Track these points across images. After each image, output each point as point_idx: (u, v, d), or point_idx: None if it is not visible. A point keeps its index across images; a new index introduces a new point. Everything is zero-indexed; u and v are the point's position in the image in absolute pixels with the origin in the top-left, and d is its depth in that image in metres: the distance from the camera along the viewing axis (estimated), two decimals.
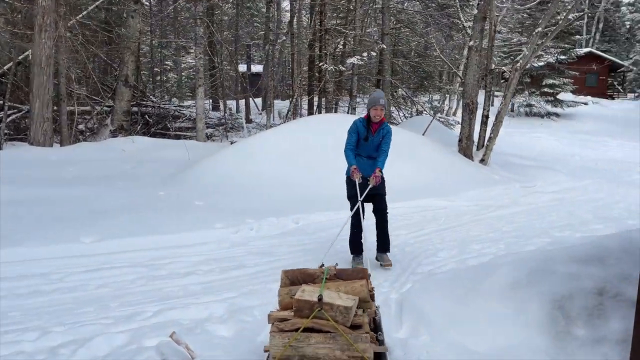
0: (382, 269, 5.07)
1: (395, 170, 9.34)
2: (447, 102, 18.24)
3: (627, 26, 49.38)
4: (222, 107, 20.24)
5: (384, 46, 11.69)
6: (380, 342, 2.82)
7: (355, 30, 12.63)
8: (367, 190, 4.90)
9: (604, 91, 40.45)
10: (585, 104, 32.57)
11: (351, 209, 5.04)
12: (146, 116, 15.43)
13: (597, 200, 9.53)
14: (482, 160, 11.10)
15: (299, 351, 2.46)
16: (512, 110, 29.36)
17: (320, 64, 12.55)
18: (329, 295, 2.61)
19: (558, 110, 28.94)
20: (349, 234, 5.18)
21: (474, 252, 5.73)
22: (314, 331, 2.53)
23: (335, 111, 14.68)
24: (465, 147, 10.89)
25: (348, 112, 14.44)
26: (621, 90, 43.55)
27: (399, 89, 14.49)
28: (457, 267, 5.01)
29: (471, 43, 10.45)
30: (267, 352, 2.64)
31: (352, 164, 5.02)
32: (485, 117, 11.43)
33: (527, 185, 10.47)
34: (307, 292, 2.63)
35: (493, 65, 11.24)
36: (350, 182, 5.11)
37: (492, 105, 13.24)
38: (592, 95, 36.64)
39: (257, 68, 31.66)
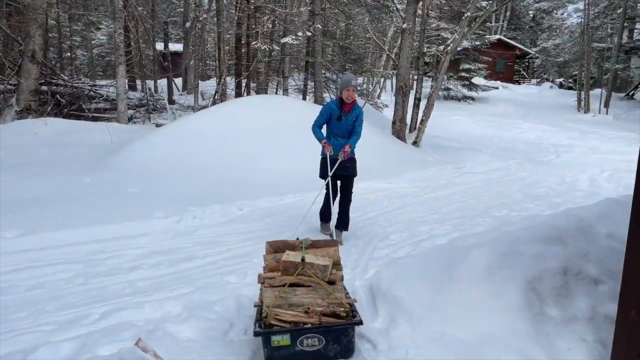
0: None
1: None
2: (372, 85, 18.46)
3: (531, 15, 52.82)
4: (140, 88, 19.08)
5: (319, 26, 11.49)
6: (348, 296, 3.21)
7: (286, 9, 12.29)
8: (336, 164, 5.23)
9: (511, 77, 43.09)
10: (497, 88, 34.56)
11: (326, 186, 5.41)
12: (57, 96, 14.11)
13: (522, 180, 10.04)
14: (415, 143, 11.31)
15: (287, 301, 2.90)
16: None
17: (253, 43, 12.07)
18: (310, 257, 3.19)
19: (473, 94, 30.40)
20: (321, 205, 5.61)
21: (423, 234, 5.77)
22: (298, 286, 3.04)
23: (266, 93, 14.30)
24: (398, 130, 11.03)
25: (281, 93, 14.15)
26: (526, 76, 46.64)
27: (329, 71, 14.41)
28: (415, 250, 5.00)
29: (404, 26, 10.52)
30: (257, 307, 3.05)
31: (321, 138, 5.30)
32: (417, 100, 11.63)
33: (457, 166, 10.82)
34: (292, 255, 3.19)
35: (425, 49, 11.43)
36: (323, 162, 5.39)
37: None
38: (501, 80, 38.97)
39: (175, 47, 30.15)
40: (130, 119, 13.99)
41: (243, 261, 4.71)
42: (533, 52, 43.27)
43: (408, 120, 11.58)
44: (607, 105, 28.63)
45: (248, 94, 15.29)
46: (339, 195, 5.56)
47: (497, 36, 40.75)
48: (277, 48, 12.38)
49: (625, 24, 31.44)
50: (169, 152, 8.14)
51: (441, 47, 11.86)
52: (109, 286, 4.04)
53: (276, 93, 16.06)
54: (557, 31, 42.10)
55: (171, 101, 17.64)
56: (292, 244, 3.55)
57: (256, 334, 2.73)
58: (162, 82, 21.67)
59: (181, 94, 21.22)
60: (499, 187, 9.27)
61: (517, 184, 9.62)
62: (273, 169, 8.00)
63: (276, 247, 3.54)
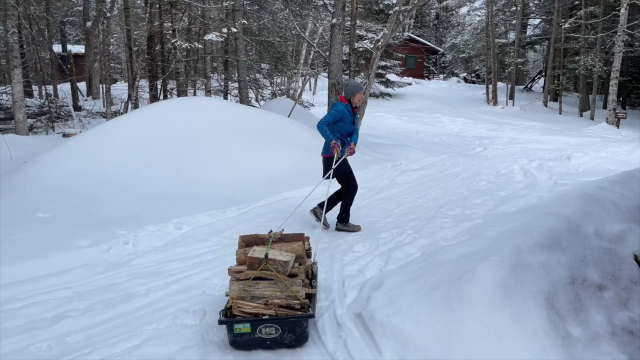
0: None
1: (279, 157, 8.64)
2: (294, 84, 17.96)
3: (434, 14, 55.16)
4: (38, 94, 17.14)
5: (245, 21, 10.74)
6: (313, 287, 3.56)
7: (205, 4, 11.40)
8: (339, 161, 5.59)
9: (421, 73, 44.60)
10: (410, 84, 35.52)
11: (353, 181, 5.89)
12: None
13: (459, 174, 10.00)
14: None
15: (250, 293, 3.20)
16: None
17: (173, 41, 11.03)
18: (273, 253, 3.36)
19: (390, 90, 30.93)
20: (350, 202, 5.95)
21: (388, 242, 5.32)
22: (261, 279, 3.26)
23: (186, 95, 13.30)
24: None
25: (203, 95, 13.19)
26: (435, 72, 48.53)
27: (255, 70, 13.66)
28: (388, 263, 4.52)
29: (334, 21, 10.09)
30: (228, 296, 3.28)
31: (331, 138, 5.50)
32: None
33: (395, 164, 10.59)
34: (257, 252, 3.37)
35: (356, 45, 11.09)
36: (327, 162, 5.74)
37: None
38: (412, 77, 40.18)
39: (76, 49, 27.71)
40: (31, 129, 12.37)
41: (196, 294, 3.97)
42: (440, 49, 45.07)
43: None
44: (511, 97, 30.34)
45: (165, 97, 14.16)
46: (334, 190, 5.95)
47: (407, 33, 41.97)
48: (200, 46, 11.47)
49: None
50: (83, 167, 7.07)
51: (374, 43, 11.58)
52: (27, 347, 3.15)
53: (194, 94, 15.04)
54: (461, 28, 44.07)
55: (76, 107, 15.97)
56: (262, 237, 3.74)
57: (220, 322, 3.12)
58: (64, 87, 19.68)
59: (86, 99, 19.40)
60: (441, 183, 9.12)
61: (456, 178, 9.54)
62: (211, 180, 7.21)
63: (247, 241, 3.74)
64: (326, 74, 30.16)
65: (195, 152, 7.78)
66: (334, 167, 5.51)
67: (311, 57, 21.55)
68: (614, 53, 19.97)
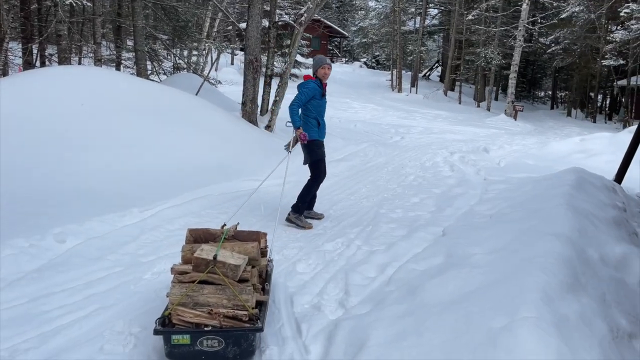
0: None
1: (189, 143, 7.30)
2: (200, 58, 16.24)
3: None
4: None
5: None
6: (265, 292, 3.17)
7: None
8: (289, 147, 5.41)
9: (325, 55, 44.15)
10: None
11: (321, 170, 5.61)
12: None
13: (384, 166, 9.38)
14: (268, 127, 9.82)
15: (193, 299, 2.80)
16: None
17: None
18: (223, 254, 2.91)
19: (296, 71, 29.90)
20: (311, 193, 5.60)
21: (336, 258, 4.38)
22: (207, 283, 2.85)
23: (69, 63, 11.21)
24: (250, 112, 9.38)
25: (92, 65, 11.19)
26: (338, 55, 48.37)
27: (154, 39, 11.85)
28: (350, 294, 3.57)
29: None
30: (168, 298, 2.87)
31: (297, 125, 5.19)
32: (269, 78, 10.11)
33: None
34: (205, 251, 2.91)
35: (277, 17, 9.90)
36: (318, 144, 5.47)
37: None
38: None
39: None
40: None
41: (91, 352, 2.74)
42: (346, 33, 44.90)
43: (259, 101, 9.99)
44: (414, 85, 30.89)
45: (43, 64, 11.89)
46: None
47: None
48: (89, 3, 9.53)
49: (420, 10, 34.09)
50: None
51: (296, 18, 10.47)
52: None
53: (79, 64, 12.88)
54: (365, 13, 44.17)
55: None
56: (213, 233, 3.31)
57: (156, 332, 2.70)
58: None
59: None
60: (368, 176, 8.41)
61: (382, 171, 8.89)
62: (104, 172, 5.74)
63: (196, 236, 3.30)
64: (232, 50, 28.21)
65: (82, 135, 6.21)
66: (290, 149, 5.37)
67: (215, 29, 19.81)
68: (514, 47, 20.72)
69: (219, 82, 14.06)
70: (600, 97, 32.52)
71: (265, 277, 3.33)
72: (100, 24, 11.16)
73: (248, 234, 3.35)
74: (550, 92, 37.81)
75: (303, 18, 9.22)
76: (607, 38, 19.60)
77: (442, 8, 36.65)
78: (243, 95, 9.44)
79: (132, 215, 5.00)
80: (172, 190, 5.88)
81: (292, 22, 9.35)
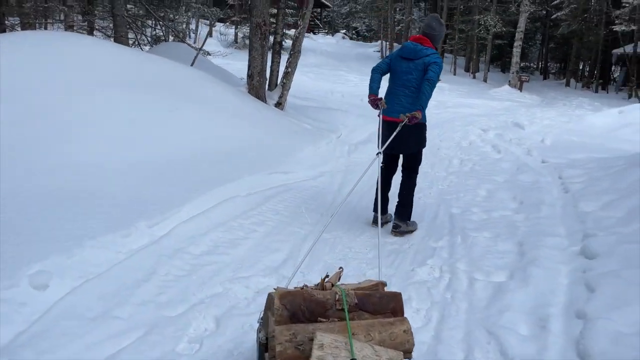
0: None
1: (197, 125, 5.81)
2: (192, 26, 14.36)
3: None
4: None
5: None
6: None
7: None
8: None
9: (309, 26, 42.17)
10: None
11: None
12: None
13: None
14: (279, 104, 8.30)
15: None
16: (237, 42, 27.28)
17: None
18: (364, 355, 1.60)
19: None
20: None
21: (444, 293, 3.04)
22: None
23: (34, 29, 9.43)
24: (257, 87, 7.82)
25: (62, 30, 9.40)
26: (320, 26, 46.38)
27: (139, 4, 10.08)
28: None
29: None
30: None
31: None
32: (279, 45, 8.57)
33: (337, 135, 8.28)
34: (329, 349, 1.59)
35: None
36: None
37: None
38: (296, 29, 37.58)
39: None
40: None
41: None
42: (329, 4, 42.89)
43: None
44: None
45: (3, 30, 10.04)
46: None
47: None
48: None
49: None
50: None
51: None
52: None
53: (45, 29, 11.01)
54: None
55: None
56: (321, 300, 1.83)
57: None
58: None
59: None
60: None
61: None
62: (94, 166, 4.25)
63: (294, 308, 1.81)
64: (211, 20, 26.13)
65: (64, 117, 4.68)
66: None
67: None
68: (521, 12, 19.37)
69: (208, 53, 12.36)
70: (589, 67, 31.62)
71: None
72: None
73: (380, 298, 1.96)
74: (535, 63, 36.83)
75: None
76: (621, 0, 18.43)
77: None
78: (249, 66, 7.88)
79: (138, 234, 3.53)
80: (184, 191, 4.40)
81: None
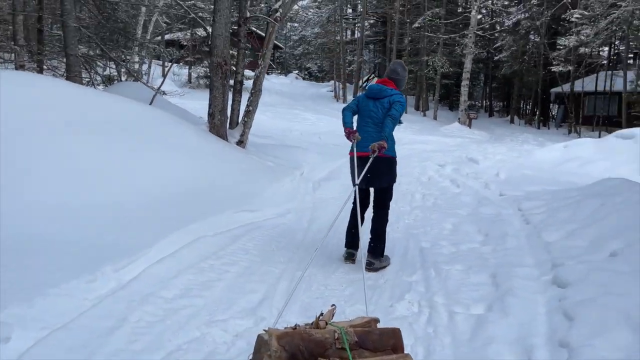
0: None
1: (160, 165, 5.66)
2: (145, 66, 14.25)
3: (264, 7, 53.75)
4: None
5: None
6: None
7: None
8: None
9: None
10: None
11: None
12: None
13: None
14: (241, 142, 8.25)
15: None
16: (191, 82, 27.20)
17: None
18: None
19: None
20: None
21: (427, 329, 3.02)
22: None
23: None
24: (219, 125, 7.77)
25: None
26: (274, 67, 47.15)
27: (91, 42, 9.90)
28: None
29: None
30: None
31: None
32: (239, 84, 8.58)
33: (300, 171, 8.29)
34: None
35: (248, 14, 8.40)
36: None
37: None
38: (251, 69, 38.05)
39: None
40: None
41: None
42: (281, 45, 43.79)
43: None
44: (356, 95, 30.21)
45: None
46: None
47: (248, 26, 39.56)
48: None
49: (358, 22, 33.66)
50: None
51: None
52: None
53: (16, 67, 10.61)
54: (303, 24, 43.29)
55: None
56: (320, 340, 1.77)
57: None
58: None
59: None
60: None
61: None
62: (57, 206, 4.04)
63: (293, 349, 1.74)
64: (163, 60, 25.98)
65: (22, 159, 4.45)
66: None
67: (148, 35, 17.78)
68: (466, 54, 20.41)
69: (164, 92, 12.24)
70: (531, 105, 33.47)
71: None
72: (23, 22, 9.11)
73: (379, 335, 1.95)
74: (480, 102, 38.67)
75: (278, 14, 7.82)
76: (557, 43, 19.82)
77: (379, 19, 36.42)
78: (210, 105, 7.84)
79: (104, 279, 3.35)
80: (149, 233, 4.24)
81: (267, 17, 7.91)
